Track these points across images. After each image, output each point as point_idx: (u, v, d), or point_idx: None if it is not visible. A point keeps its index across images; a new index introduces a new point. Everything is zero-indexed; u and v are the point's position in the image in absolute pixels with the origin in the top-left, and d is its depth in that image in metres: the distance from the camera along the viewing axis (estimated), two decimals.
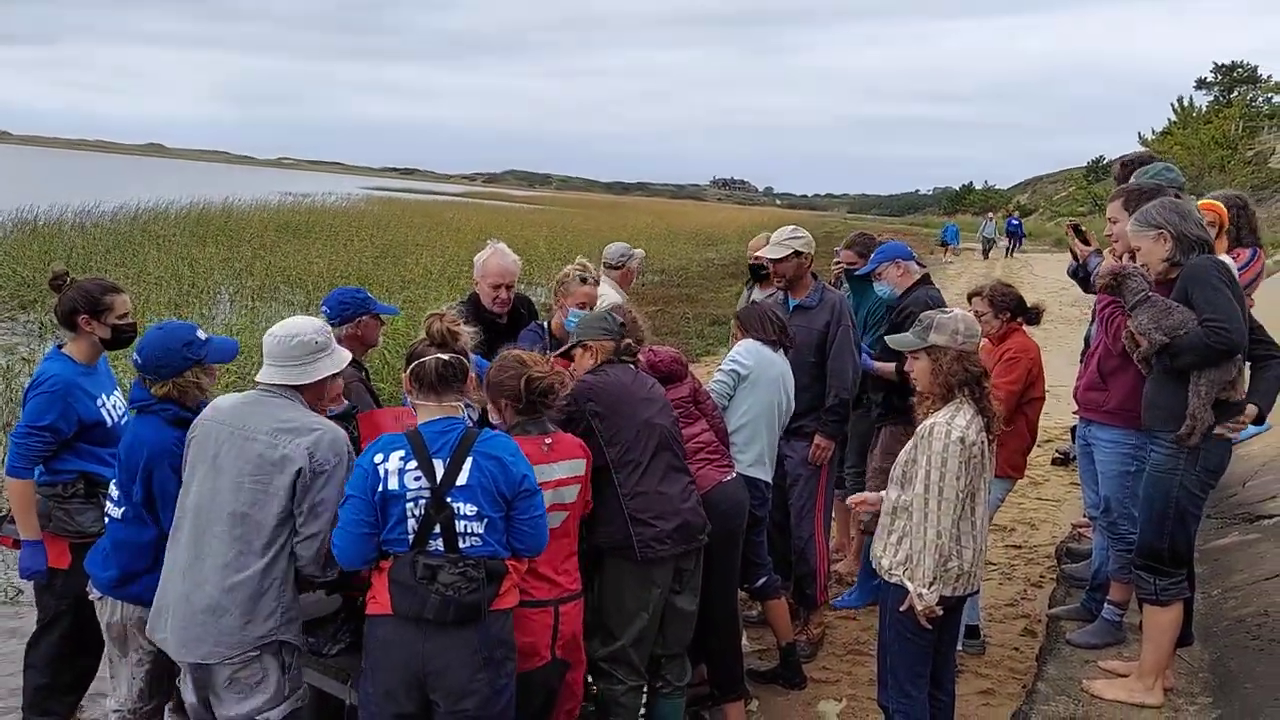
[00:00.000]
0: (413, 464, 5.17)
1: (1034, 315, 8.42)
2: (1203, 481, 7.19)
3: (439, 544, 5.13)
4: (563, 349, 6.90)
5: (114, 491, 6.01)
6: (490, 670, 5.18)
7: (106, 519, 6.08)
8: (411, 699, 5.20)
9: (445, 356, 5.39)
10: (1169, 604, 7.29)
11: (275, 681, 5.54)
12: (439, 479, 5.15)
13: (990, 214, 74.52)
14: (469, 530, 5.14)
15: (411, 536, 5.14)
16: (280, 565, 5.43)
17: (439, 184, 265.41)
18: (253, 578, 5.37)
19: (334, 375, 5.76)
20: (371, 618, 5.29)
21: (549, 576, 5.78)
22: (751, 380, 7.68)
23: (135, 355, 5.92)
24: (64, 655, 6.87)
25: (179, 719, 6.21)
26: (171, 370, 5.83)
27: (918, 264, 9.32)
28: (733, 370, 7.71)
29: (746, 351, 7.79)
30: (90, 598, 6.19)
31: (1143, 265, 7.19)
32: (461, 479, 5.16)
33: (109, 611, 6.05)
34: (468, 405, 5.98)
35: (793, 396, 7.99)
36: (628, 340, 6.86)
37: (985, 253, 63.10)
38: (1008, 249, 66.12)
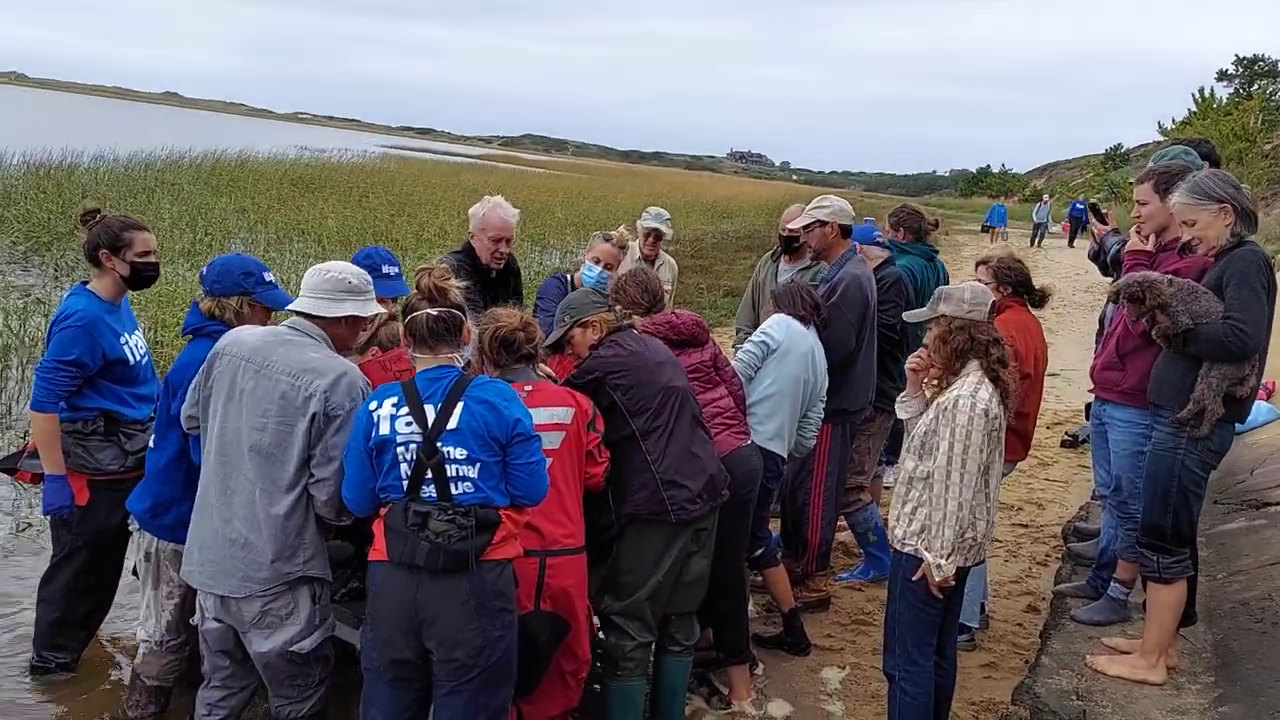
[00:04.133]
0: (405, 410, 5.20)
1: (1038, 296, 8.28)
2: (1204, 461, 7.21)
3: (432, 490, 5.14)
4: (554, 338, 6.81)
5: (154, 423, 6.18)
6: (483, 619, 5.16)
7: (147, 449, 6.24)
8: (409, 646, 5.22)
9: (436, 311, 5.40)
10: (1172, 582, 7.31)
11: (306, 613, 5.61)
12: (430, 424, 5.16)
13: (1045, 196, 70.16)
14: (461, 474, 5.15)
15: (406, 483, 5.16)
16: (306, 503, 5.49)
17: (455, 145, 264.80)
18: (280, 515, 5.43)
19: (359, 319, 5.81)
20: (371, 564, 5.32)
21: (535, 526, 5.77)
22: (780, 354, 7.70)
23: (203, 268, 6.23)
24: (77, 591, 6.95)
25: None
26: (221, 288, 6.10)
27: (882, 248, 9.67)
28: (763, 342, 7.73)
29: (777, 325, 7.82)
30: (131, 529, 6.37)
31: (1197, 238, 7.12)
32: (452, 423, 5.16)
33: (144, 544, 6.20)
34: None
35: (822, 374, 8.00)
36: (626, 311, 6.95)
37: (1035, 240, 57.01)
38: (1071, 236, 57.93)
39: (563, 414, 5.99)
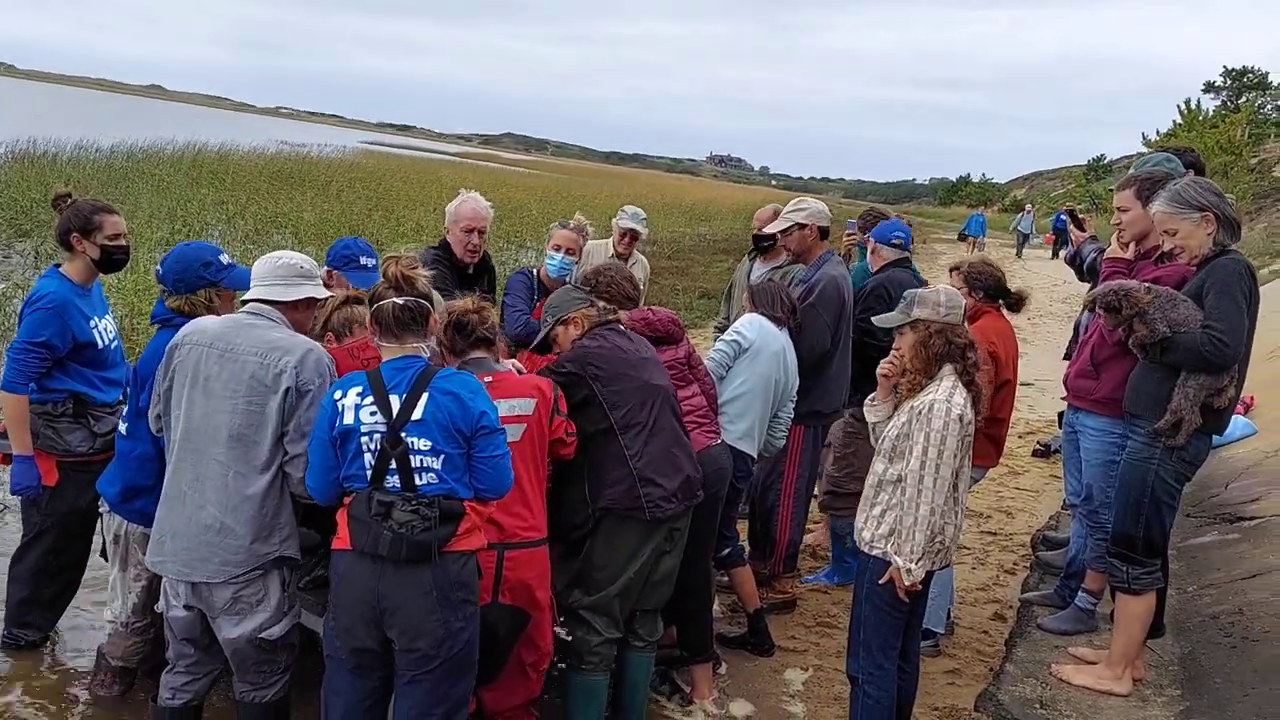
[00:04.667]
0: (369, 399, 5.19)
1: (1013, 301, 8.30)
2: (1179, 472, 7.20)
3: (396, 480, 5.13)
4: (538, 339, 6.86)
5: (124, 409, 6.20)
6: (445, 610, 5.15)
7: (116, 435, 6.25)
8: (371, 635, 5.21)
9: (402, 300, 5.40)
10: (1141, 593, 7.31)
11: (276, 599, 5.62)
12: (395, 414, 5.15)
13: (1028, 206, 68.63)
14: (424, 465, 5.14)
15: (369, 472, 5.15)
16: (281, 482, 5.51)
17: (435, 142, 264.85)
18: (256, 496, 5.44)
19: (314, 301, 5.88)
20: (334, 552, 5.31)
21: (494, 519, 5.74)
22: (752, 353, 7.69)
23: (159, 265, 6.17)
24: (46, 570, 6.99)
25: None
26: (186, 285, 6.09)
27: (886, 245, 9.49)
28: (734, 341, 7.73)
29: (749, 324, 7.81)
30: (100, 511, 6.39)
31: (1179, 247, 7.10)
32: (416, 414, 5.15)
33: (114, 526, 6.22)
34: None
35: (792, 375, 7.98)
36: (608, 305, 6.91)
37: (1018, 250, 56.49)
38: (1055, 249, 55.61)
39: (524, 405, 5.98)
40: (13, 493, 6.86)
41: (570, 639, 6.45)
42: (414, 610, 5.12)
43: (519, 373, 6.29)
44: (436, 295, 6.00)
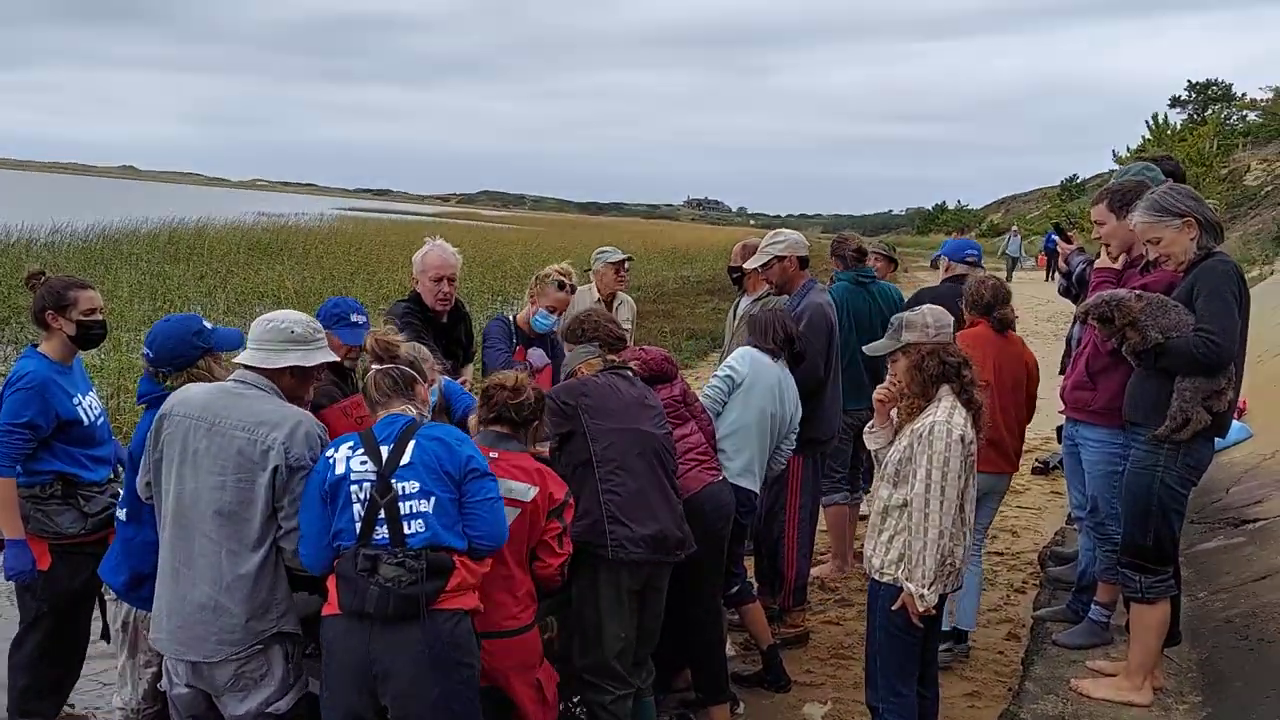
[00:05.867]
0: (361, 451, 5.19)
1: (997, 320, 8.34)
2: (1183, 477, 7.16)
3: (384, 532, 5.07)
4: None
5: (121, 493, 6.10)
6: (439, 673, 5.08)
7: (116, 523, 6.13)
8: (364, 704, 5.14)
9: (384, 368, 5.51)
10: (1155, 602, 7.25)
11: (280, 673, 5.50)
12: (384, 461, 5.14)
13: (1014, 228, 68.42)
14: (414, 511, 5.09)
15: (358, 525, 5.10)
16: (275, 558, 5.40)
17: (413, 205, 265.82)
18: (249, 575, 5.33)
19: (304, 369, 5.65)
20: (324, 619, 5.24)
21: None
22: (745, 387, 7.64)
23: (146, 350, 5.99)
24: (47, 656, 6.83)
25: None
26: (186, 360, 5.92)
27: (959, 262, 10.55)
28: (727, 376, 7.69)
29: (741, 358, 7.77)
30: (106, 598, 6.31)
31: (1164, 255, 7.09)
32: (405, 459, 5.15)
33: (121, 613, 6.08)
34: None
35: (790, 406, 7.93)
36: (612, 356, 6.86)
37: (1008, 273, 53.76)
38: (1048, 270, 52.12)
39: (522, 490, 5.82)
40: (7, 578, 6.72)
41: (580, 712, 6.37)
42: (406, 674, 5.05)
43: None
44: (428, 357, 6.01)
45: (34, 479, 6.53)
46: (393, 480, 5.10)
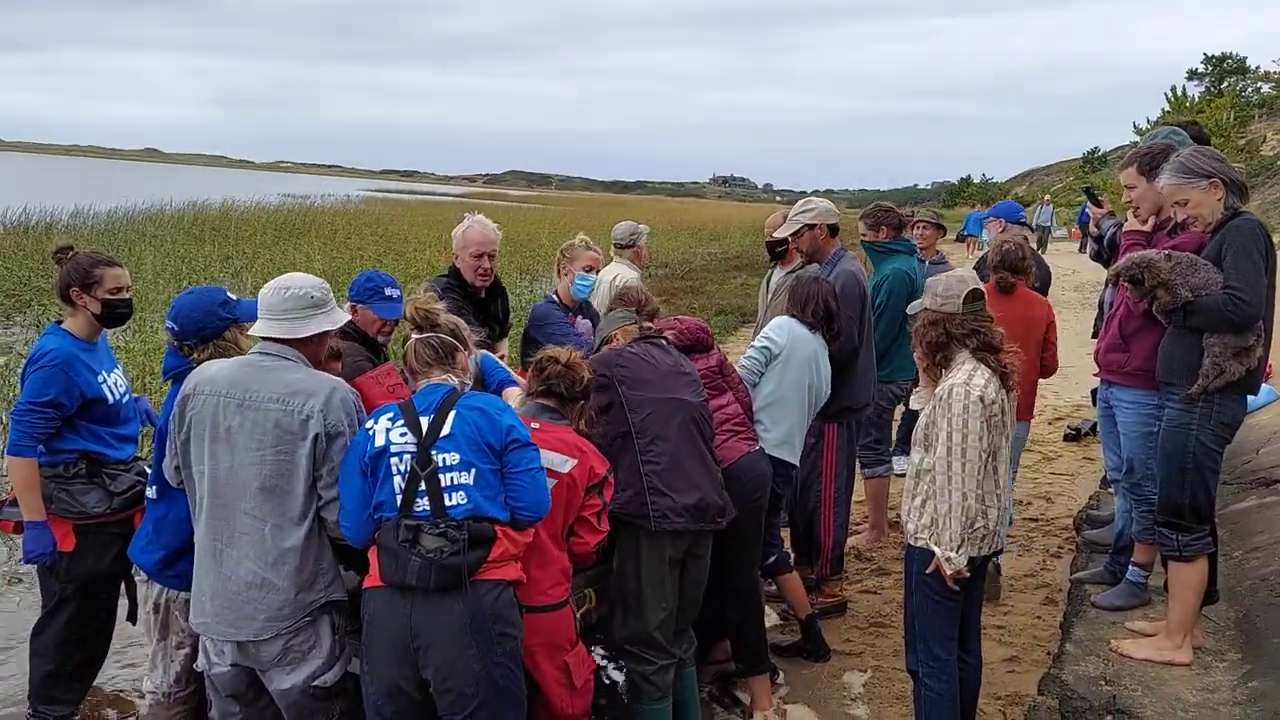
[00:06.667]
0: (400, 423, 5.13)
1: (999, 282, 8.72)
2: (1218, 435, 7.19)
3: (425, 504, 5.01)
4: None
5: (149, 471, 5.98)
6: (481, 644, 5.00)
7: (146, 500, 6.02)
8: (406, 676, 5.06)
9: (424, 337, 5.46)
10: (1193, 559, 7.26)
11: (328, 645, 5.43)
12: (424, 433, 5.08)
13: (1046, 197, 66.11)
14: (455, 483, 5.02)
15: (399, 497, 5.04)
16: (319, 529, 5.34)
17: (439, 185, 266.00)
18: (295, 548, 5.26)
19: (329, 333, 5.62)
20: (365, 591, 5.17)
21: None
22: (783, 359, 7.58)
23: (171, 323, 5.92)
24: (70, 641, 6.68)
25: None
26: (213, 331, 5.87)
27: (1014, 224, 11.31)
28: (764, 347, 7.63)
29: (779, 329, 7.70)
30: (136, 580, 6.18)
31: (1191, 216, 7.11)
32: (445, 429, 5.09)
33: (152, 594, 5.96)
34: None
35: (827, 379, 7.90)
36: (648, 324, 6.82)
37: (1040, 244, 49.22)
38: (1082, 243, 49.40)
39: (560, 462, 5.70)
40: (26, 561, 6.61)
41: (622, 678, 6.30)
42: (448, 646, 4.98)
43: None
44: (464, 327, 5.94)
45: (58, 458, 6.40)
46: (432, 452, 5.03)
